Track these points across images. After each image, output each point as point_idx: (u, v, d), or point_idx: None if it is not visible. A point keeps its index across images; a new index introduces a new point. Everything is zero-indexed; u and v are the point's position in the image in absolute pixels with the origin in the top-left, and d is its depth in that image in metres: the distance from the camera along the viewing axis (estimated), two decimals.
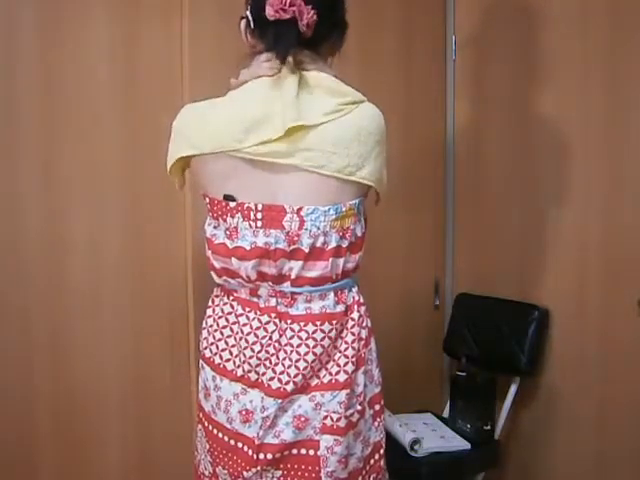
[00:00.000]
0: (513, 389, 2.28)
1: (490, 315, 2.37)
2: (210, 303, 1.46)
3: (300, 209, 1.28)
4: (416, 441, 2.10)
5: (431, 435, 2.20)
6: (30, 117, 1.68)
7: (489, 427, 2.20)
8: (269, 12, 1.25)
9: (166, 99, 1.85)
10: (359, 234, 1.35)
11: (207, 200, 1.36)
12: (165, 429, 1.93)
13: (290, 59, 1.28)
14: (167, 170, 1.39)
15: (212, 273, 1.41)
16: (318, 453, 1.32)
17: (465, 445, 2.17)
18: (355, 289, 1.39)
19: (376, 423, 1.41)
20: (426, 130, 2.51)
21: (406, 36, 2.41)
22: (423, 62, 2.47)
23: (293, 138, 1.25)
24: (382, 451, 1.42)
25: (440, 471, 2.11)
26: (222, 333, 1.40)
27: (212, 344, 1.42)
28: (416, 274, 2.53)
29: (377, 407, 1.42)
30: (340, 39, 1.41)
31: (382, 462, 1.42)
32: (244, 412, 1.35)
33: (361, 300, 1.40)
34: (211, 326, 1.42)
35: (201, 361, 1.46)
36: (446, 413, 2.39)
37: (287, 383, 1.32)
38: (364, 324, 1.39)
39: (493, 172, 2.44)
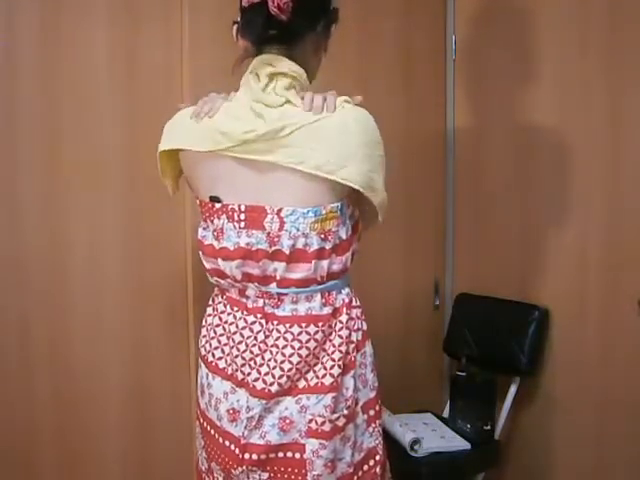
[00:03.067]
0: (513, 389, 2.28)
1: (490, 315, 2.37)
2: (210, 302, 1.48)
3: (280, 210, 1.28)
4: (416, 441, 2.10)
5: (431, 435, 2.20)
6: (30, 118, 1.68)
7: (489, 427, 2.20)
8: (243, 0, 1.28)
9: (166, 100, 1.85)
10: (344, 237, 1.33)
11: (198, 202, 1.40)
12: (165, 430, 1.93)
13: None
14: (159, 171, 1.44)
15: (207, 273, 1.43)
16: (304, 456, 1.32)
17: (465, 445, 2.17)
18: (345, 291, 1.38)
19: (370, 428, 1.40)
20: (426, 130, 2.51)
21: (406, 36, 2.41)
22: (423, 62, 2.47)
23: (274, 134, 1.24)
24: (378, 457, 1.40)
25: (440, 471, 2.11)
26: (215, 331, 1.42)
27: (207, 342, 1.44)
28: (416, 274, 2.53)
29: (372, 412, 1.40)
30: (325, 33, 1.38)
31: (378, 469, 1.40)
32: (231, 411, 1.36)
33: (354, 303, 1.39)
34: (210, 324, 1.45)
35: (199, 359, 1.48)
36: (446, 413, 2.39)
37: (272, 384, 1.32)
38: (355, 327, 1.37)
39: (493, 172, 2.44)
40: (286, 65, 1.29)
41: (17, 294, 1.69)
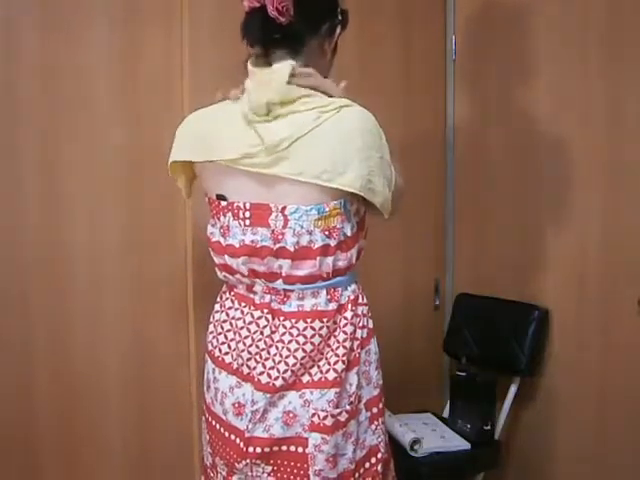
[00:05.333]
0: (513, 389, 2.28)
1: (490, 315, 2.37)
2: (218, 299, 1.50)
3: (284, 208, 1.30)
4: (416, 441, 2.10)
5: (431, 435, 2.20)
6: (31, 119, 1.69)
7: (489, 427, 2.20)
8: (244, 3, 1.31)
9: (166, 101, 1.86)
10: (349, 233, 1.34)
11: (207, 199, 1.43)
12: (166, 426, 1.93)
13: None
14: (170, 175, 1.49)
15: (216, 269, 1.45)
16: (306, 451, 1.34)
17: (465, 445, 2.17)
18: (351, 287, 1.39)
19: (373, 426, 1.41)
20: (426, 130, 2.51)
21: (406, 36, 2.41)
22: (423, 62, 2.47)
23: (273, 150, 1.27)
24: (380, 455, 1.41)
25: (440, 471, 2.11)
26: (222, 327, 1.45)
27: (214, 337, 1.47)
28: (416, 274, 2.53)
29: (375, 410, 1.41)
30: (330, 34, 1.39)
31: (379, 467, 1.41)
32: (237, 405, 1.38)
33: (360, 300, 1.40)
34: (217, 320, 1.47)
35: (205, 354, 1.50)
36: (446, 413, 2.39)
37: (276, 378, 1.33)
38: (361, 324, 1.39)
39: (493, 172, 2.44)
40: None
41: (18, 290, 1.70)
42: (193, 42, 1.89)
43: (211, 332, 1.48)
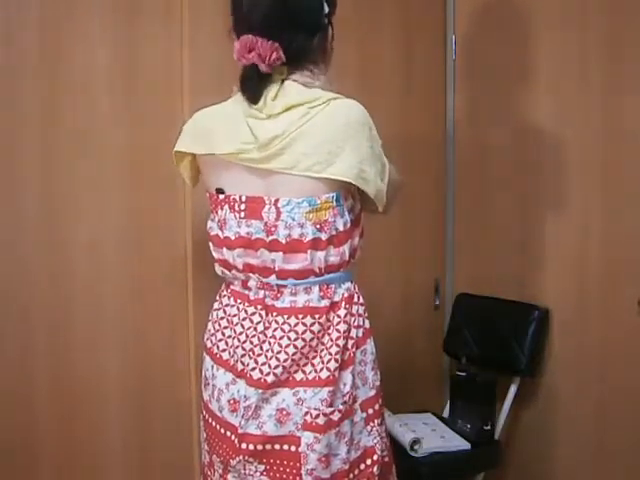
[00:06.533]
0: (513, 389, 2.28)
1: (490, 315, 2.38)
2: (217, 297, 1.52)
3: (277, 200, 1.33)
4: (416, 441, 2.10)
5: (431, 435, 2.20)
6: (31, 119, 1.68)
7: (489, 427, 2.20)
8: (235, 56, 1.33)
9: (166, 101, 1.86)
10: (341, 228, 1.35)
11: (207, 195, 1.46)
12: (166, 427, 1.93)
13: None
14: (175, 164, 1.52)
15: (215, 264, 1.47)
16: (299, 450, 1.34)
17: (465, 445, 2.17)
18: (345, 285, 1.39)
19: (369, 427, 1.40)
20: (426, 130, 2.51)
21: (406, 36, 2.41)
22: (423, 62, 2.47)
23: (266, 148, 1.30)
24: (376, 457, 1.40)
25: (440, 471, 2.11)
26: (220, 324, 1.46)
27: (212, 335, 1.48)
28: (416, 274, 2.53)
29: (370, 411, 1.41)
30: (322, 43, 1.40)
31: (375, 469, 1.40)
32: (232, 401, 1.39)
33: (356, 299, 1.40)
34: (216, 318, 1.49)
35: (204, 352, 1.51)
36: (446, 413, 2.39)
37: (268, 374, 1.34)
38: (356, 323, 1.39)
39: (493, 172, 2.44)
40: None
41: (17, 292, 1.69)
42: (193, 42, 1.89)
43: (209, 330, 1.50)
